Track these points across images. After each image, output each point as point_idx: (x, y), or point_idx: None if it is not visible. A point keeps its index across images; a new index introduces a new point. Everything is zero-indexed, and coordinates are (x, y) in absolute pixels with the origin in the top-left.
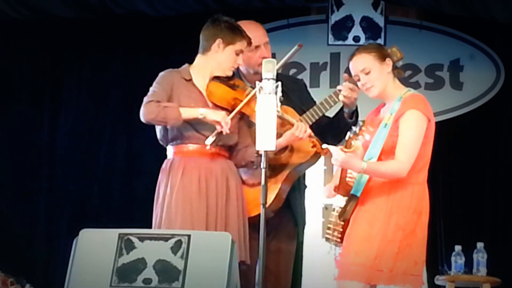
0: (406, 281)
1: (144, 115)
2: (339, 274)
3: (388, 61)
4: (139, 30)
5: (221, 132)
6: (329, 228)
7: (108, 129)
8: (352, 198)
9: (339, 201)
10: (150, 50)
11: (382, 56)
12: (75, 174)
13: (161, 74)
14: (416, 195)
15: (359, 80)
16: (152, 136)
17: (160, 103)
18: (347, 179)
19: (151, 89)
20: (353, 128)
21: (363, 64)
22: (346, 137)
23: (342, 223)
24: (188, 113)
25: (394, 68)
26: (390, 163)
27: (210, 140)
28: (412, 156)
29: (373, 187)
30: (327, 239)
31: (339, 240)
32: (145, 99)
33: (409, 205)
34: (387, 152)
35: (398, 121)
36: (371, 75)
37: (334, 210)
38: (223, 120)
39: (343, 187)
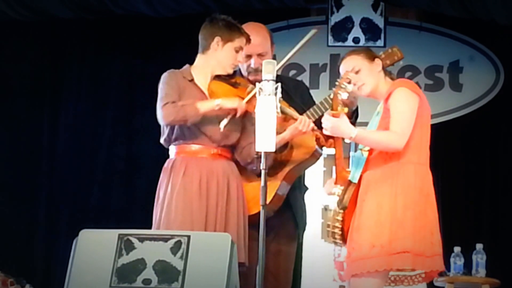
0: (426, 264)
1: (164, 118)
2: (352, 269)
3: (378, 61)
4: (138, 31)
5: (235, 115)
6: (328, 226)
7: (107, 130)
8: (349, 184)
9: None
10: (149, 51)
11: (371, 56)
12: (75, 175)
13: (165, 75)
14: (420, 174)
15: (348, 81)
16: (152, 136)
17: (177, 103)
18: (344, 172)
19: (160, 91)
20: (336, 83)
21: (352, 64)
22: (331, 96)
23: (342, 211)
24: (205, 106)
25: (387, 72)
26: (383, 132)
27: (224, 122)
28: (406, 128)
29: (375, 175)
30: (328, 235)
31: (339, 237)
32: (160, 102)
33: (414, 184)
34: None
35: (387, 102)
36: (361, 74)
37: (331, 210)
38: (239, 106)
39: (340, 175)
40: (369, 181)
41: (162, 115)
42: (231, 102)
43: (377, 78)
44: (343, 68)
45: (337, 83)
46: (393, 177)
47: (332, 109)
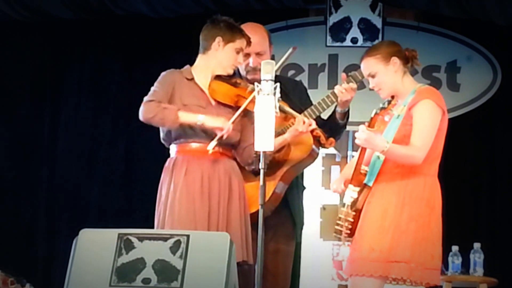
0: (424, 276)
1: (143, 113)
2: (351, 269)
3: (394, 60)
4: (138, 31)
5: (222, 136)
6: (338, 224)
7: (108, 130)
8: (364, 187)
9: (338, 198)
10: (149, 51)
11: (387, 56)
12: (75, 174)
13: (163, 74)
14: (429, 186)
15: (369, 83)
16: (152, 136)
17: (160, 104)
18: (361, 170)
19: (152, 88)
20: (380, 104)
21: (368, 68)
22: (372, 115)
23: (354, 213)
24: (186, 117)
25: (407, 66)
26: (409, 147)
27: (212, 145)
28: (427, 144)
29: (384, 179)
30: (336, 232)
31: (348, 232)
32: (146, 98)
33: (422, 196)
34: (399, 141)
35: (411, 110)
36: (377, 79)
37: (344, 205)
38: (225, 126)
39: (356, 178)
40: (378, 185)
41: (142, 110)
42: (214, 121)
43: (394, 80)
44: (363, 70)
45: (383, 105)
46: (402, 187)
47: (369, 126)
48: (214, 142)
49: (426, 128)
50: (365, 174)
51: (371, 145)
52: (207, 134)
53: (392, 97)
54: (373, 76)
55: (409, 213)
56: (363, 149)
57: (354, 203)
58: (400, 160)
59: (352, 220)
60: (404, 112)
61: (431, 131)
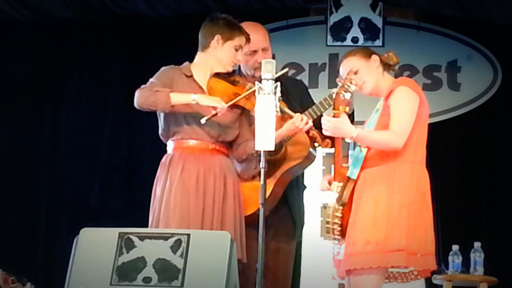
0: (420, 262)
1: (136, 100)
2: (348, 264)
3: (374, 57)
4: (139, 30)
5: (216, 114)
6: (327, 223)
7: (108, 129)
8: (348, 181)
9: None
10: (150, 51)
11: (367, 54)
12: (75, 174)
13: (162, 68)
14: (416, 174)
15: (351, 82)
16: (152, 135)
17: (153, 88)
18: (343, 165)
19: (150, 80)
20: (339, 84)
21: (350, 65)
22: (334, 96)
23: (341, 207)
24: (178, 98)
25: (386, 66)
26: (383, 132)
27: (204, 120)
28: (406, 128)
29: (372, 172)
30: (328, 231)
31: (338, 233)
32: (141, 87)
33: (410, 183)
34: None
35: (388, 99)
36: (360, 73)
37: (330, 207)
38: (220, 105)
39: (338, 174)
40: (366, 179)
41: (136, 96)
42: (210, 100)
43: (376, 75)
44: (343, 71)
45: (339, 83)
46: (390, 176)
47: (333, 109)
48: (206, 118)
49: (403, 113)
50: (347, 168)
51: (340, 132)
52: (204, 131)
53: (348, 73)
54: (355, 73)
55: (399, 201)
56: (338, 142)
57: (339, 198)
58: (378, 146)
59: (340, 215)
60: (381, 105)
61: (408, 116)
